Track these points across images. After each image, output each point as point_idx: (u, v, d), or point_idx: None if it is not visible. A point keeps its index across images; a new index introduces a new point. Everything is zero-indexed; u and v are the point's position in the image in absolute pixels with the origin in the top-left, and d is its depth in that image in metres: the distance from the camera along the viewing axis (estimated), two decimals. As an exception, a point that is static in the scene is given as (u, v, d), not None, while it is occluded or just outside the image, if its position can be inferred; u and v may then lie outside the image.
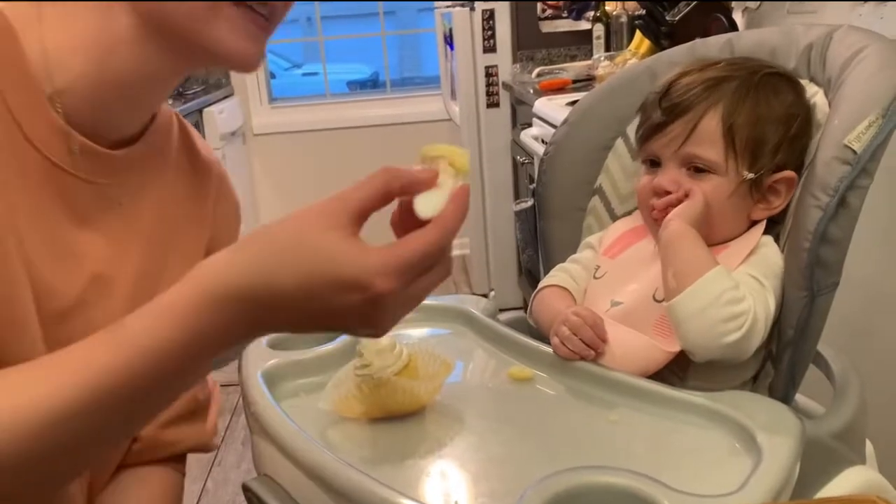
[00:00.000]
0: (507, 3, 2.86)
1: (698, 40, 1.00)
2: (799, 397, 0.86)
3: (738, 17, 2.11)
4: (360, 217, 0.50)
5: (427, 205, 0.51)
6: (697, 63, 0.87)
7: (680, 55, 1.00)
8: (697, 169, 0.82)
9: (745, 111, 0.81)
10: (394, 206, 0.54)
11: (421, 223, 0.51)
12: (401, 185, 0.52)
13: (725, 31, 1.97)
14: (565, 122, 1.04)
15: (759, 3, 2.05)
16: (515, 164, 2.92)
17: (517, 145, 2.65)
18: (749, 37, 0.95)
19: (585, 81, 2.46)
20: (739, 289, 0.74)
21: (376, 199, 0.51)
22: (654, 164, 0.86)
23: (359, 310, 0.49)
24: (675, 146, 0.82)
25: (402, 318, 0.52)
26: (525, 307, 1.01)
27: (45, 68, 0.61)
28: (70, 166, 0.63)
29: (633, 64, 1.03)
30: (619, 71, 1.04)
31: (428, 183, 0.52)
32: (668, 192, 0.83)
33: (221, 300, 0.49)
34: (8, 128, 0.59)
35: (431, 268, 0.51)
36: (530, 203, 2.41)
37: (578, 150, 1.02)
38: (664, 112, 0.83)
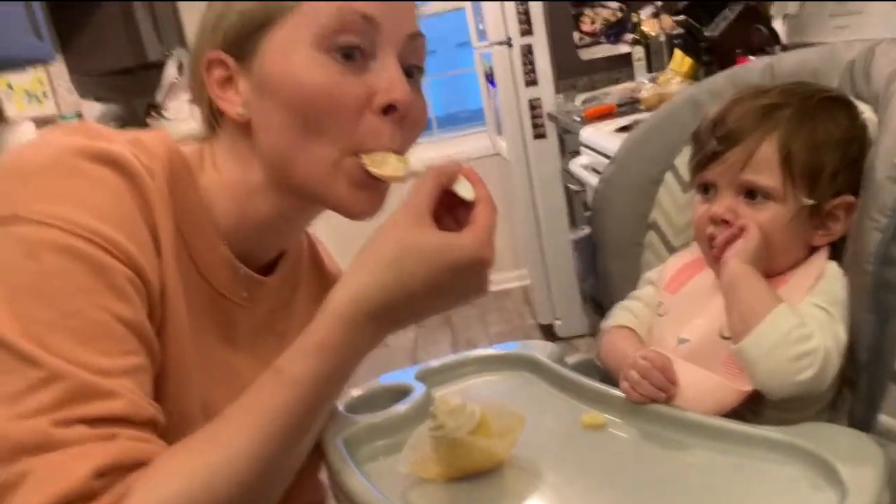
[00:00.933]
0: (545, 36, 2.89)
1: (738, 66, 1.01)
2: (884, 419, 0.84)
3: (778, 25, 2.09)
4: (431, 211, 0.62)
5: (465, 189, 0.65)
6: (750, 90, 0.86)
7: (720, 83, 1.00)
8: (754, 196, 0.81)
9: (803, 137, 0.80)
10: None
11: (462, 201, 0.65)
12: (447, 178, 0.64)
13: (766, 41, 1.96)
14: (613, 160, 1.05)
15: (798, 7, 2.03)
16: (568, 193, 2.92)
17: (568, 174, 2.66)
18: (789, 59, 0.95)
19: (630, 105, 2.47)
20: (807, 325, 0.73)
21: (436, 195, 0.63)
22: (708, 190, 0.85)
23: (476, 281, 0.62)
24: (731, 174, 0.81)
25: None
26: (592, 334, 1.01)
27: (208, 206, 0.68)
28: (233, 294, 0.70)
29: (673, 98, 1.04)
30: (661, 106, 1.04)
31: (457, 174, 0.65)
32: (726, 221, 0.82)
33: (364, 320, 0.60)
34: (184, 259, 0.65)
35: None
36: (587, 231, 2.41)
37: (629, 187, 1.03)
38: (719, 140, 0.82)
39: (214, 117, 0.69)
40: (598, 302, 1.07)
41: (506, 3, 2.86)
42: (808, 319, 0.74)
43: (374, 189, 0.67)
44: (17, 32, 2.19)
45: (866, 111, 0.83)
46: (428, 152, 3.83)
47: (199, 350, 0.66)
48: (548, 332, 3.23)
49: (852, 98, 0.85)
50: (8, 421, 0.50)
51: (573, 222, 2.98)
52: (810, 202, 0.79)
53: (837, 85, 0.87)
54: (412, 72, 0.68)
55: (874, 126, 0.81)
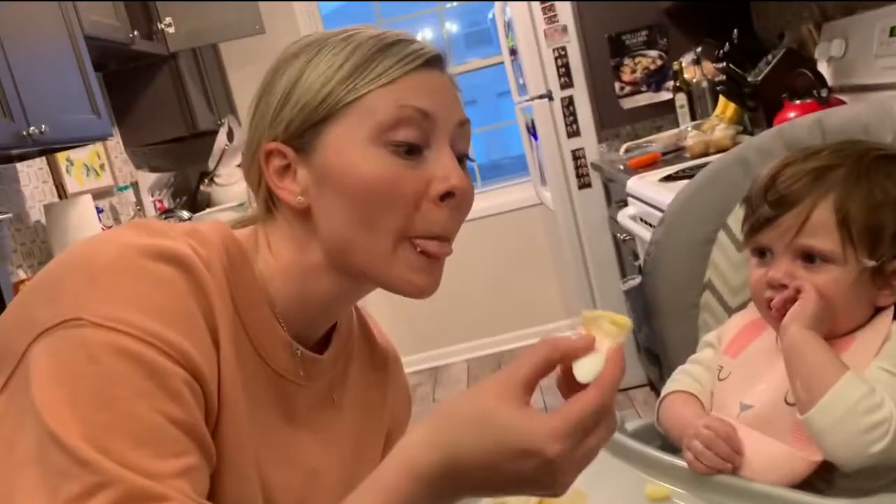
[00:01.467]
0: (585, 87, 2.91)
1: (785, 124, 1.00)
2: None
3: (823, 68, 2.07)
4: (529, 388, 0.56)
5: (585, 370, 0.56)
6: (799, 152, 0.85)
7: (768, 140, 1.00)
8: (813, 260, 0.79)
9: (859, 198, 0.78)
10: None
11: (582, 385, 0.56)
12: (560, 354, 0.57)
13: (812, 85, 1.94)
14: (662, 221, 1.05)
15: (842, 48, 2.01)
16: (617, 242, 2.90)
17: (615, 222, 2.64)
18: (838, 114, 0.94)
19: (675, 152, 2.46)
20: (875, 393, 0.71)
21: (540, 369, 0.56)
22: (764, 254, 0.84)
23: (535, 474, 0.54)
24: (787, 238, 0.80)
25: (577, 475, 0.57)
26: (648, 385, 0.99)
27: (264, 289, 0.70)
28: (291, 374, 0.71)
29: (720, 156, 1.03)
30: (708, 165, 1.04)
31: (585, 349, 0.58)
32: (784, 286, 0.81)
33: (419, 479, 0.55)
34: (245, 345, 0.67)
35: (597, 426, 0.55)
36: (638, 280, 2.39)
37: (681, 248, 1.02)
38: (772, 205, 0.81)
39: (273, 202, 0.71)
40: (654, 353, 1.05)
41: (544, 57, 2.89)
42: (877, 385, 0.72)
43: (429, 271, 0.68)
44: (77, 111, 2.30)
45: (923, 167, 0.82)
46: (474, 204, 3.85)
47: (260, 432, 0.68)
48: (601, 383, 3.18)
49: (908, 153, 0.84)
50: None
51: (623, 271, 2.96)
52: (872, 263, 0.78)
53: (891, 140, 0.86)
54: (461, 157, 0.69)
55: (933, 183, 0.80)
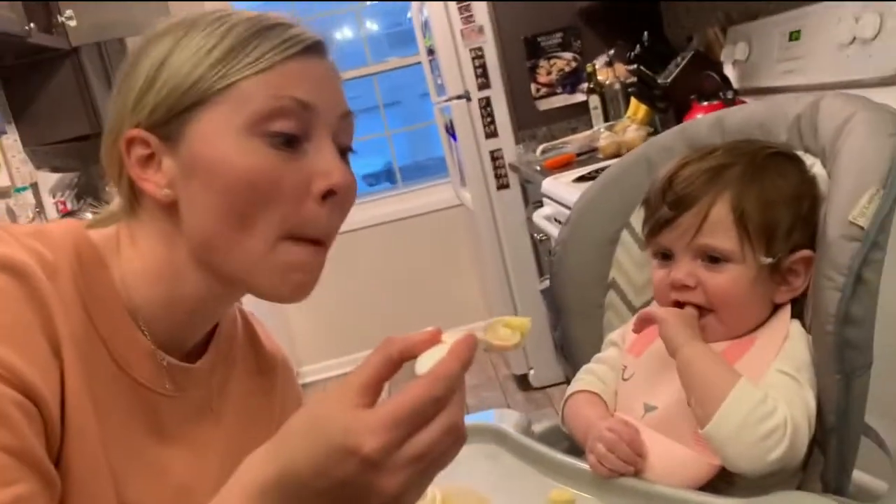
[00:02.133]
0: (502, 89, 2.91)
1: (687, 122, 1.01)
2: (858, 475, 0.82)
3: (729, 71, 2.13)
4: (368, 389, 0.50)
5: (425, 362, 0.51)
6: (695, 152, 0.86)
7: (671, 139, 1.00)
8: (713, 259, 0.80)
9: (754, 196, 0.79)
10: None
11: None
12: (399, 351, 0.52)
13: (718, 87, 1.99)
14: (567, 221, 1.04)
15: (746, 52, 2.07)
16: (534, 242, 2.92)
17: (533, 223, 2.66)
18: (737, 113, 0.95)
19: (589, 153, 2.48)
20: (767, 400, 0.71)
21: (382, 369, 0.51)
22: (665, 256, 0.84)
23: (360, 477, 0.48)
24: (686, 238, 0.80)
25: (418, 483, 0.50)
26: (567, 382, 0.99)
27: (126, 293, 0.64)
28: (156, 385, 0.65)
29: (624, 156, 1.03)
30: (613, 164, 1.04)
31: (428, 342, 0.53)
32: (687, 286, 0.81)
33: (261, 496, 0.51)
34: (100, 355, 0.61)
35: (429, 421, 0.49)
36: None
37: (586, 248, 1.02)
38: (670, 206, 0.81)
39: (135, 197, 0.65)
40: (566, 352, 1.05)
41: (462, 58, 2.88)
42: (773, 391, 0.72)
43: (305, 275, 0.64)
44: (-34, 108, 2.15)
45: (815, 165, 0.83)
46: (392, 206, 3.83)
47: (122, 448, 0.62)
48: (522, 382, 3.20)
49: (801, 152, 0.85)
50: None
51: (541, 271, 2.98)
52: (769, 260, 0.78)
53: (786, 139, 0.87)
54: (344, 151, 0.66)
55: (824, 180, 0.81)
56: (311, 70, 0.63)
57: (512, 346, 0.57)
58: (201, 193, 0.61)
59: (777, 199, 0.79)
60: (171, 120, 0.61)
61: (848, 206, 0.71)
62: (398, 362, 0.52)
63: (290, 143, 0.61)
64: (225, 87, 0.61)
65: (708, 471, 0.74)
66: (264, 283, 0.63)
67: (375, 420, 0.48)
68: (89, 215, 2.50)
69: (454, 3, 2.85)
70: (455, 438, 0.51)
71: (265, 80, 0.61)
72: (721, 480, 0.75)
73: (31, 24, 2.61)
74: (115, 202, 0.68)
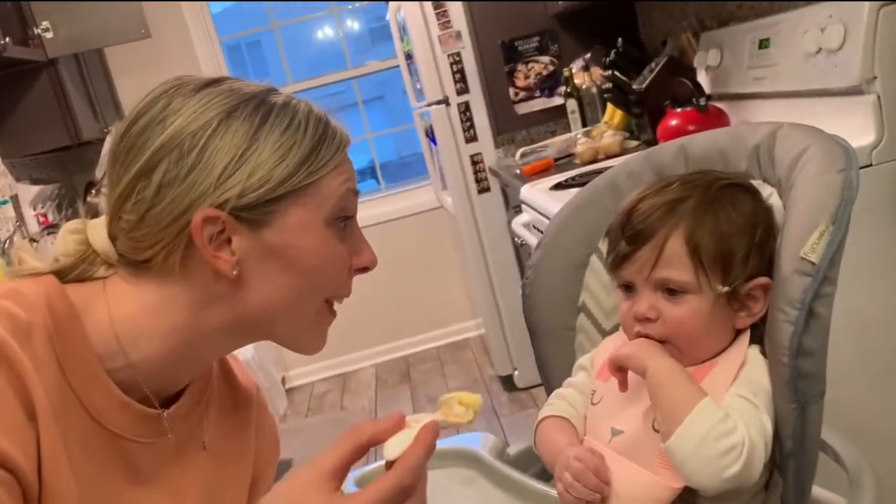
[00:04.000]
0: (481, 93, 2.93)
1: (652, 149, 1.03)
2: (818, 490, 0.85)
3: (701, 77, 2.15)
4: (337, 473, 0.59)
5: (392, 448, 0.59)
6: (652, 185, 0.88)
7: (637, 164, 1.03)
8: (672, 291, 0.82)
9: (707, 228, 0.81)
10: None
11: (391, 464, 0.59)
12: (368, 438, 0.61)
13: (691, 94, 2.02)
14: (539, 244, 1.07)
15: (718, 59, 2.09)
16: (516, 246, 2.95)
17: (513, 228, 2.68)
18: (700, 141, 0.98)
19: (568, 157, 2.51)
20: (728, 419, 0.73)
21: (349, 455, 0.60)
22: (628, 288, 0.86)
23: None
24: (645, 272, 0.82)
25: None
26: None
27: (117, 343, 0.67)
28: (131, 434, 0.68)
29: (592, 182, 1.06)
30: (581, 190, 1.06)
31: (394, 429, 0.61)
32: (648, 318, 0.83)
33: None
34: (75, 410, 0.64)
35: None
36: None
37: (556, 271, 1.04)
38: (628, 241, 0.83)
39: (182, 265, 0.67)
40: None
41: (440, 63, 2.90)
42: (732, 412, 0.75)
43: (326, 329, 0.74)
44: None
45: (773, 196, 0.86)
46: (376, 209, 3.84)
47: (102, 499, 0.65)
48: (507, 382, 3.23)
49: (760, 182, 0.88)
50: None
51: (523, 274, 3.00)
52: (725, 289, 0.81)
53: (745, 168, 0.90)
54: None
55: (780, 211, 0.84)
56: (349, 162, 0.73)
57: (466, 422, 0.65)
58: (279, 275, 0.68)
59: (730, 231, 0.81)
60: (256, 207, 0.67)
61: (800, 242, 0.74)
62: (366, 447, 0.61)
63: (345, 225, 0.72)
64: (310, 184, 0.68)
65: (668, 495, 0.76)
66: (303, 342, 0.73)
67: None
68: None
69: (430, 3, 2.85)
70: None
71: (336, 176, 0.70)
72: (682, 501, 0.78)
73: (7, 39, 2.60)
74: (101, 257, 0.70)
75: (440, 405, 0.64)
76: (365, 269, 0.74)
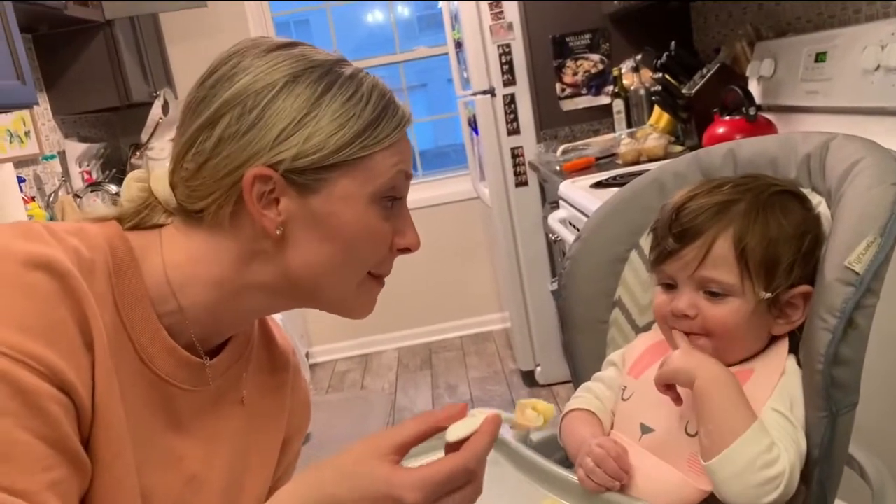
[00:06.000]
0: (527, 86, 2.93)
1: (701, 150, 1.03)
2: (839, 504, 0.85)
3: (753, 86, 2.13)
4: (400, 450, 0.64)
5: (454, 431, 0.63)
6: (704, 185, 0.88)
7: (684, 165, 1.02)
8: (714, 294, 0.82)
9: (757, 233, 0.81)
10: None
11: (455, 447, 0.63)
12: (433, 424, 0.65)
13: (741, 102, 2.00)
14: (579, 237, 1.07)
15: (772, 69, 2.07)
16: (549, 242, 2.95)
17: (548, 223, 2.68)
18: (750, 146, 0.97)
19: (609, 158, 2.50)
20: (774, 448, 0.73)
21: (412, 436, 0.64)
22: (669, 285, 0.87)
23: None
24: (689, 270, 0.82)
25: None
26: (572, 382, 1.03)
27: (167, 291, 0.70)
28: (175, 379, 0.71)
29: (637, 178, 1.06)
30: (626, 185, 1.06)
31: (457, 416, 0.65)
32: (687, 316, 0.83)
33: None
34: (126, 349, 0.67)
35: (461, 487, 0.63)
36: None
37: (595, 265, 1.05)
38: (675, 238, 0.83)
39: (231, 219, 0.69)
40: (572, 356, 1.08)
41: (489, 53, 2.90)
42: (777, 439, 0.74)
43: (374, 298, 0.76)
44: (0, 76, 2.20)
45: (821, 205, 0.86)
46: (412, 194, 3.85)
47: (141, 438, 0.67)
48: (528, 378, 3.23)
49: (809, 190, 0.88)
50: None
51: (553, 271, 3.00)
52: (768, 296, 0.81)
53: (795, 176, 0.90)
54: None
55: (828, 220, 0.83)
56: (407, 143, 0.74)
57: (535, 427, 0.70)
58: (319, 241, 0.70)
59: (779, 237, 0.81)
60: (307, 172, 0.68)
61: (846, 251, 0.73)
62: (430, 434, 0.65)
63: (393, 203, 0.73)
64: (362, 157, 0.69)
65: (698, 496, 0.77)
66: (346, 308, 0.75)
67: (418, 478, 0.60)
68: (113, 187, 2.50)
69: (485, 1, 2.86)
70: (474, 501, 0.65)
71: (390, 155, 0.71)
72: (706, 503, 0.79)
73: (68, -3, 2.66)
74: (162, 206, 0.72)
75: (515, 410, 0.69)
76: (407, 251, 0.76)
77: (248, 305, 0.73)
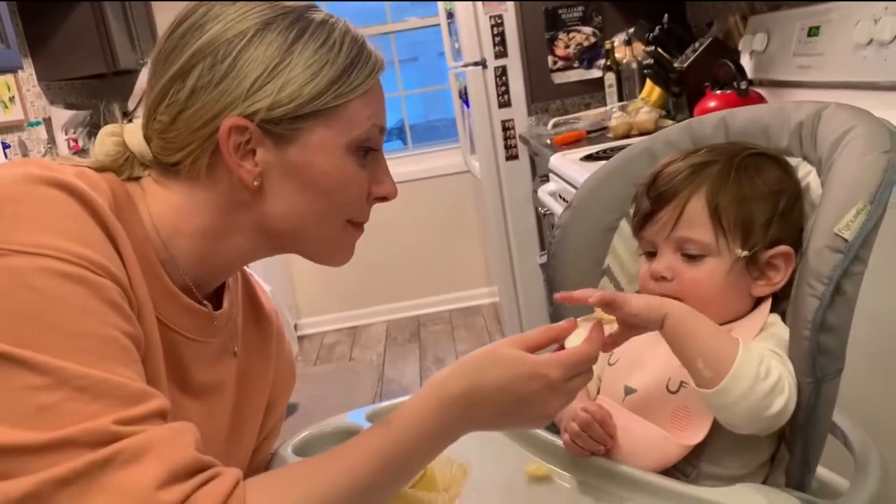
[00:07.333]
0: (519, 59, 2.91)
1: (693, 119, 1.02)
2: (822, 471, 0.86)
3: (745, 61, 2.13)
4: (534, 348, 0.71)
5: (571, 341, 0.74)
6: (681, 152, 0.89)
7: (676, 134, 1.02)
8: (691, 255, 0.83)
9: (729, 191, 0.82)
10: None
11: None
12: (554, 337, 0.73)
13: (733, 77, 1.99)
14: (569, 206, 1.07)
15: (764, 43, 2.06)
16: (538, 215, 2.94)
17: (538, 196, 2.68)
18: (742, 115, 0.97)
19: (600, 131, 2.49)
20: (764, 360, 0.74)
21: (538, 342, 0.72)
22: (651, 254, 0.87)
23: (537, 396, 0.68)
24: (665, 232, 0.84)
25: (561, 408, 0.71)
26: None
27: (158, 236, 0.70)
28: (175, 324, 0.71)
29: (629, 147, 1.06)
30: (618, 154, 1.06)
31: (571, 328, 0.75)
32: (664, 277, 0.84)
33: (448, 402, 0.67)
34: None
35: (580, 374, 0.71)
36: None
37: (584, 233, 1.05)
38: (652, 201, 0.85)
39: (206, 168, 0.69)
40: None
41: (481, 25, 2.88)
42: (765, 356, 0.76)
43: (352, 249, 0.77)
44: (-15, 40, 2.17)
45: (811, 174, 0.86)
46: (402, 167, 3.84)
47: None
48: (515, 351, 3.25)
49: (800, 160, 0.88)
50: (84, 419, 0.53)
51: (542, 245, 3.00)
52: (745, 253, 0.81)
53: (787, 145, 0.90)
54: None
55: (817, 191, 0.83)
56: (381, 92, 0.74)
57: (610, 321, 0.77)
58: (296, 192, 0.70)
59: (753, 195, 0.82)
60: (282, 122, 0.67)
61: (835, 218, 0.73)
62: (551, 342, 0.73)
63: (367, 154, 0.73)
64: (337, 107, 0.69)
65: (679, 451, 0.78)
66: (326, 256, 0.76)
67: (559, 359, 0.68)
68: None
69: (478, -34, 2.83)
70: (583, 387, 0.75)
71: (364, 104, 0.71)
72: (688, 464, 0.79)
73: (54, -40, 2.61)
74: (137, 159, 0.72)
75: (593, 317, 0.76)
76: (384, 199, 0.76)
77: (234, 253, 0.73)
